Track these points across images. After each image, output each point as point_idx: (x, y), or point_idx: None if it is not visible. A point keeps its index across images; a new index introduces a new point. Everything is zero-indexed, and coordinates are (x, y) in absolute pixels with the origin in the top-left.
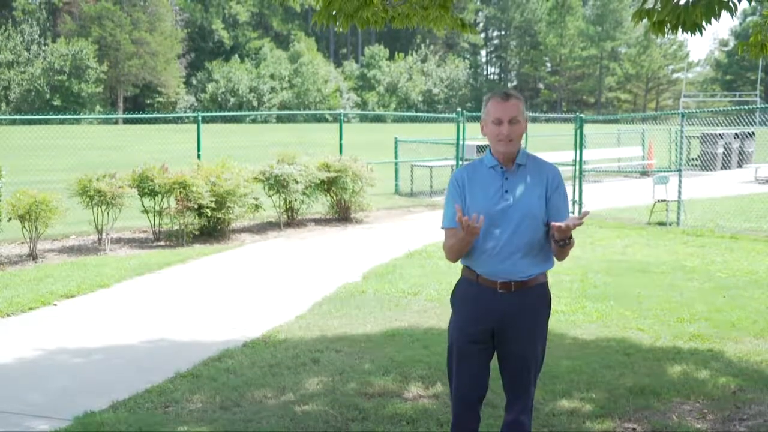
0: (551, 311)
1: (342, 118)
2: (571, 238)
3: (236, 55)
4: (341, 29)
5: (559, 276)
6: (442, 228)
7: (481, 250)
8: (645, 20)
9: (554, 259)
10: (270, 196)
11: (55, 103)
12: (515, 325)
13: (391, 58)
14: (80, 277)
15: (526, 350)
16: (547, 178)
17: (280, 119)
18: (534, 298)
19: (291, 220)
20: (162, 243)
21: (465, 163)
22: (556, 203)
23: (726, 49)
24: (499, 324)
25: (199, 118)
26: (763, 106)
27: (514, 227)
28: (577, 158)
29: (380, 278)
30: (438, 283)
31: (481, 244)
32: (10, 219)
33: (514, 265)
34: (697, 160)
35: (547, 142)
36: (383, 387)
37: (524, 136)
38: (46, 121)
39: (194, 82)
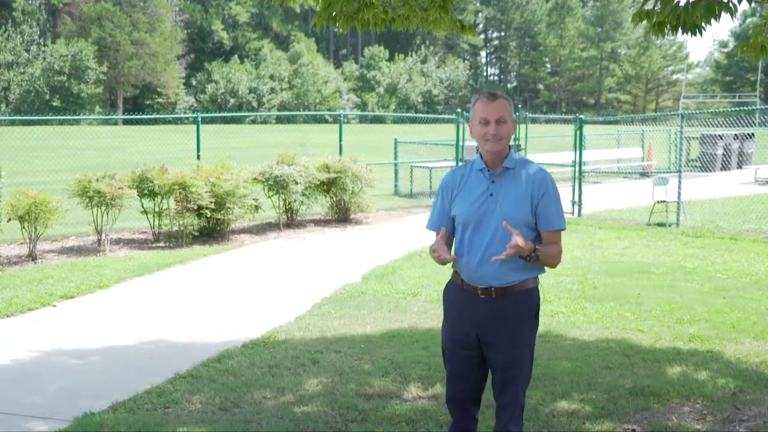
0: (540, 318)
1: (342, 119)
2: (533, 256)
3: (236, 56)
4: (341, 30)
5: (559, 277)
6: (428, 229)
7: (462, 254)
8: (645, 21)
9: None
10: (269, 197)
11: (54, 104)
12: (497, 332)
13: (390, 59)
14: (80, 278)
15: (510, 358)
16: (533, 184)
17: (279, 120)
18: (516, 305)
19: (290, 221)
20: (161, 244)
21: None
22: (542, 210)
23: (726, 50)
24: (481, 330)
25: (199, 119)
26: (762, 107)
27: (494, 232)
28: (577, 159)
29: (380, 279)
30: (438, 284)
31: (462, 248)
32: (9, 219)
33: (494, 270)
34: (696, 161)
35: (548, 142)
36: (383, 388)
37: (525, 138)
38: (46, 122)
39: (194, 82)
